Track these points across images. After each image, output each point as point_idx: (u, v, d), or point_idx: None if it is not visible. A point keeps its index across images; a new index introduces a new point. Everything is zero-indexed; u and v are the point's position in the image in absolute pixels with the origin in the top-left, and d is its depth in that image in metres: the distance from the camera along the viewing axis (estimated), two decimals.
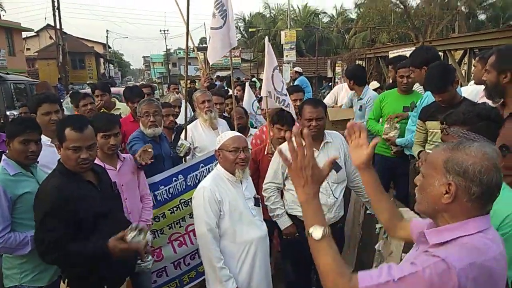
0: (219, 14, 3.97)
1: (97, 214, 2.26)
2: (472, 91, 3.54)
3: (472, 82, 4.00)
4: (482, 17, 31.49)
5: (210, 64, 5.06)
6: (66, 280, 2.28)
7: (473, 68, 3.56)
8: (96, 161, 2.79)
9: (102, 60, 41.00)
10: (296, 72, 10.40)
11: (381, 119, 4.38)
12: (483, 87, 3.20)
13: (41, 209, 2.16)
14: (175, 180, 3.44)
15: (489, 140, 1.86)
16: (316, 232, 1.32)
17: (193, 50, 5.55)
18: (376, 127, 4.36)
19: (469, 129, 1.83)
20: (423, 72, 3.50)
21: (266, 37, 3.83)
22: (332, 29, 37.16)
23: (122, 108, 4.91)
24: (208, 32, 5.14)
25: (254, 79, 14.98)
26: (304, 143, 1.37)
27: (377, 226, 3.30)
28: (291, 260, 3.35)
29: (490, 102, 2.59)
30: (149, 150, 2.97)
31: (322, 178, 1.40)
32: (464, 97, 3.26)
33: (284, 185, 3.14)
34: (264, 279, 2.69)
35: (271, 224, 3.17)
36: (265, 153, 3.58)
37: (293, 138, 1.36)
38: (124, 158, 2.99)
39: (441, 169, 1.29)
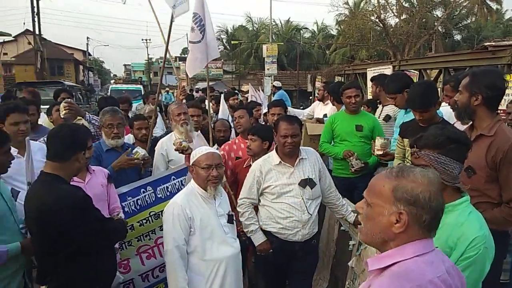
0: (197, 28, 4.02)
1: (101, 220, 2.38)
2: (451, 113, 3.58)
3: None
4: (457, 37, 32.63)
5: (190, 76, 5.10)
6: None
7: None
8: None
9: (81, 67, 40.39)
10: (274, 86, 10.47)
11: (333, 141, 4.37)
12: None
13: (61, 214, 2.11)
14: (144, 192, 3.37)
15: (460, 162, 1.89)
16: None
17: (175, 60, 5.55)
18: (333, 150, 4.30)
19: (440, 152, 1.84)
20: (405, 95, 3.54)
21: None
22: (313, 44, 37.75)
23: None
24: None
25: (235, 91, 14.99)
26: None
27: (350, 243, 3.30)
28: (263, 276, 3.32)
29: (459, 124, 2.66)
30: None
31: None
32: (443, 118, 3.28)
33: (259, 200, 3.12)
34: None
35: (246, 239, 3.14)
36: (244, 166, 3.57)
37: None
38: (93, 170, 2.91)
39: (389, 198, 1.26)
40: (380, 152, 3.86)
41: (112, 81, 41.89)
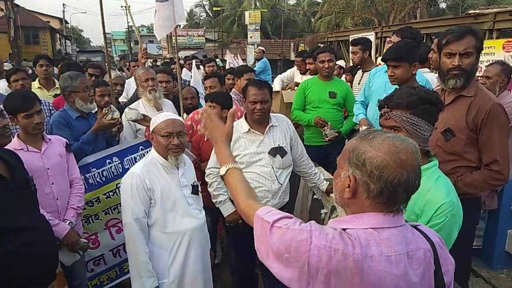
0: None
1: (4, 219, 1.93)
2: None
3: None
4: (443, 5, 32.34)
5: (158, 39, 4.83)
6: None
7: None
8: (17, 143, 2.55)
9: (58, 35, 38.89)
10: (263, 51, 10.24)
11: (305, 107, 4.25)
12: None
13: None
14: (109, 163, 3.22)
15: (431, 124, 1.79)
16: (222, 170, 1.51)
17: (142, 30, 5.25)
18: (305, 116, 4.18)
19: (412, 112, 1.74)
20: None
21: None
22: (298, 12, 36.98)
23: None
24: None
25: (217, 59, 14.62)
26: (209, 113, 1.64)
27: (322, 211, 3.24)
28: (235, 246, 3.25)
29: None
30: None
31: (227, 131, 1.59)
32: (420, 85, 3.12)
33: None
34: (200, 272, 2.53)
35: (216, 210, 3.04)
36: (205, 139, 3.44)
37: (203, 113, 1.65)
38: (50, 139, 2.72)
39: (346, 160, 1.16)
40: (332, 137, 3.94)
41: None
